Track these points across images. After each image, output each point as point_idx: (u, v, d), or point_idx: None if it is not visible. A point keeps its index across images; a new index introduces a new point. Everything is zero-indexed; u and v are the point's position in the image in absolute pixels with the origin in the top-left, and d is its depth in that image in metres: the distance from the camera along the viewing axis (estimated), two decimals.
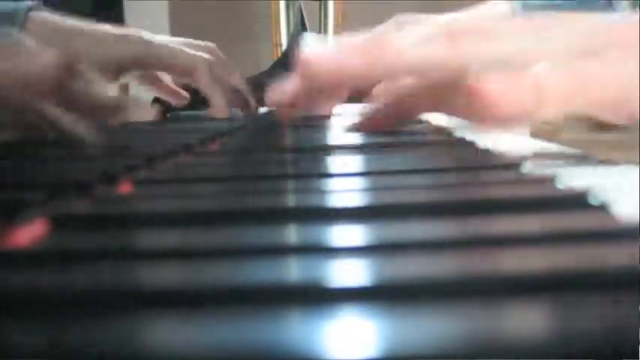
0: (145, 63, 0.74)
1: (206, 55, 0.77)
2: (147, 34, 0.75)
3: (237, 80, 0.81)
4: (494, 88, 0.36)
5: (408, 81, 0.44)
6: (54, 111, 0.43)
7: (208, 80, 0.76)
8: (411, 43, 0.39)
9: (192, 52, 0.76)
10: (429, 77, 0.42)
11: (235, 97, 0.80)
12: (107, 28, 0.73)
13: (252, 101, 0.84)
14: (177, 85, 0.84)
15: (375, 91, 0.50)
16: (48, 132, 0.44)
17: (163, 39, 0.77)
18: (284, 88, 0.43)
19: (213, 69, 0.77)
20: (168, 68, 0.77)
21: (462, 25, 0.40)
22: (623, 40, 0.38)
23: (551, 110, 0.37)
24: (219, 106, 0.76)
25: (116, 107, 0.44)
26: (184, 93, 0.85)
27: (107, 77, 0.71)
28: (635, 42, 0.37)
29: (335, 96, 0.47)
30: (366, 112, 0.51)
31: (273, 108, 0.43)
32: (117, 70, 0.72)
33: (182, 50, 0.76)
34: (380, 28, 0.42)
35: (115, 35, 0.72)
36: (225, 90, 0.78)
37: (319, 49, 0.39)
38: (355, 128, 0.51)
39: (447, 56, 0.38)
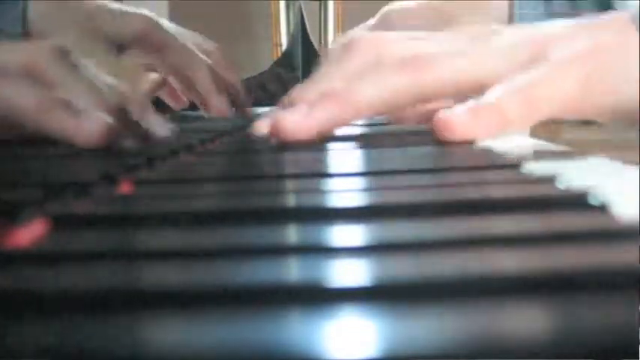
0: (148, 45, 0.73)
1: (208, 60, 0.77)
2: (160, 19, 0.75)
3: (235, 82, 0.81)
4: (460, 120, 0.40)
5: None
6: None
7: (208, 84, 0.76)
8: (367, 83, 0.43)
9: (197, 54, 0.76)
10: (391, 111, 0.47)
11: (232, 97, 0.80)
12: (117, 4, 0.73)
13: (248, 103, 0.83)
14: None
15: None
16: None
17: (174, 28, 0.76)
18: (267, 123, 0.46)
19: (213, 71, 0.77)
20: (169, 60, 0.76)
21: (413, 55, 0.43)
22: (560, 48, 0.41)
23: (517, 126, 0.41)
24: (217, 107, 0.76)
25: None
26: (184, 98, 0.85)
27: (109, 50, 0.71)
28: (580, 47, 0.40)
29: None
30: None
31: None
32: (121, 43, 0.72)
33: (188, 49, 0.75)
34: (368, 25, 0.45)
35: (124, 10, 0.72)
36: (223, 90, 0.78)
37: (287, 117, 0.42)
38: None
39: (404, 89, 0.43)
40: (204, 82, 0.76)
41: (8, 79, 0.42)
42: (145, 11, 0.73)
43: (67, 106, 0.41)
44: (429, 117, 0.44)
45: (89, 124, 0.40)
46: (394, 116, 0.56)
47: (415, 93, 0.43)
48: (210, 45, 0.82)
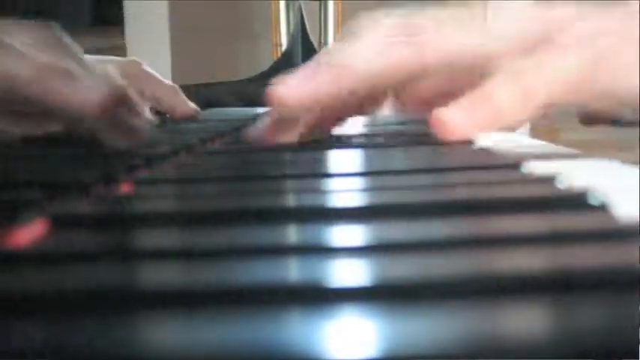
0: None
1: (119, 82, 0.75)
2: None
3: (162, 92, 0.80)
4: (455, 119, 0.40)
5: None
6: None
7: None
8: (366, 53, 0.41)
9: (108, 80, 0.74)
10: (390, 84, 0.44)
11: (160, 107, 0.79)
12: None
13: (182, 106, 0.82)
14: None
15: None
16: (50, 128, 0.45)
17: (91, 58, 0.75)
18: (260, 130, 0.45)
19: (134, 86, 0.75)
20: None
21: (422, 22, 0.42)
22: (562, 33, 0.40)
23: (512, 117, 0.40)
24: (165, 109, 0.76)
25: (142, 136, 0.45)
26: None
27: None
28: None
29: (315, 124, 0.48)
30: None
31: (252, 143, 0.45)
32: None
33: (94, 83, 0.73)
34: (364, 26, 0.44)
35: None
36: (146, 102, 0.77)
37: (284, 84, 0.41)
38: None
39: (409, 58, 0.41)
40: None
41: (10, 49, 0.41)
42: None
43: (68, 74, 0.40)
44: (427, 104, 0.44)
45: (88, 91, 0.39)
46: (395, 100, 0.54)
47: (416, 64, 0.41)
48: (134, 62, 0.80)
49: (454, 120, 0.40)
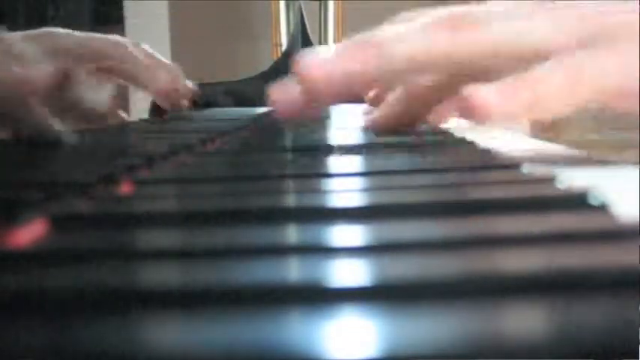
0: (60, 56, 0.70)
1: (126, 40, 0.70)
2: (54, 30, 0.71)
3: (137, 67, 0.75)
4: (489, 95, 0.35)
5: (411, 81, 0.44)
6: (38, 111, 0.42)
7: (131, 59, 0.68)
8: (407, 36, 0.38)
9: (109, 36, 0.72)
10: (431, 72, 0.41)
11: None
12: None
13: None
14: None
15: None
16: (27, 131, 0.44)
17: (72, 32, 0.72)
18: (285, 91, 0.42)
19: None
20: (84, 56, 0.72)
21: (463, 12, 0.38)
22: (619, 29, 0.36)
23: (554, 107, 0.36)
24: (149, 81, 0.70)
25: (106, 113, 0.43)
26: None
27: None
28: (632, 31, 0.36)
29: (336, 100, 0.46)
30: (379, 112, 0.51)
31: (274, 108, 0.42)
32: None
33: (97, 35, 0.71)
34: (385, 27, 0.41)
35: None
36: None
37: (315, 56, 0.38)
38: (367, 128, 0.51)
39: (447, 46, 0.37)
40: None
41: None
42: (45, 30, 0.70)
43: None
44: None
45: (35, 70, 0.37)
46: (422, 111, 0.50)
47: (456, 54, 0.37)
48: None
49: (491, 101, 0.35)
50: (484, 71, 0.37)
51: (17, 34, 0.67)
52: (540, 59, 0.36)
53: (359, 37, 0.39)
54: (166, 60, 0.73)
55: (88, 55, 0.68)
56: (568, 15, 0.37)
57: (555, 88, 0.35)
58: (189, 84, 0.75)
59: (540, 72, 0.35)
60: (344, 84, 0.38)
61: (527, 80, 0.35)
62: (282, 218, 0.21)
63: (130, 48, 0.67)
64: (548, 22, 0.37)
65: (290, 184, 0.30)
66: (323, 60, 0.38)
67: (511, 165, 0.31)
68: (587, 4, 0.38)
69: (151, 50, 0.71)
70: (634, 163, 0.34)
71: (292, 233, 0.20)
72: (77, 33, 0.69)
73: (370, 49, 0.38)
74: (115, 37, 0.69)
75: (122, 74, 0.69)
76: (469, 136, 0.46)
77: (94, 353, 0.12)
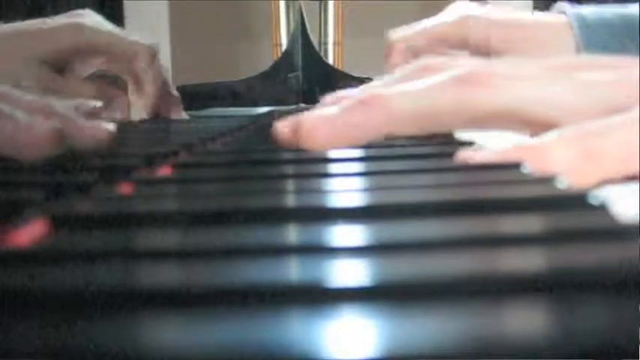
0: (85, 50, 0.71)
1: (148, 43, 0.73)
2: (90, 22, 0.72)
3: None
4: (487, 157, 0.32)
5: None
6: None
7: (147, 66, 0.72)
8: (411, 97, 0.36)
9: (134, 38, 0.73)
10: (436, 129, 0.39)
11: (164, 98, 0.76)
12: (38, 22, 0.71)
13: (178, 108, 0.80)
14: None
15: None
16: None
17: (109, 28, 0.74)
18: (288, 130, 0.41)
19: (154, 61, 0.73)
20: (109, 54, 0.73)
21: (476, 70, 0.36)
22: None
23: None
24: (147, 97, 0.73)
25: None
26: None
27: (52, 69, 0.70)
28: None
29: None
30: None
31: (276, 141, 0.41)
32: (58, 61, 0.71)
33: (124, 37, 0.73)
34: (404, 72, 0.39)
35: (47, 28, 0.71)
36: (159, 84, 0.74)
37: (315, 115, 0.37)
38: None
39: (455, 105, 0.35)
40: (142, 67, 0.72)
41: None
42: (74, 19, 0.71)
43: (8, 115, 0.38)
44: None
45: (36, 132, 0.37)
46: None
47: (462, 112, 0.35)
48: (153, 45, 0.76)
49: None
50: (489, 127, 0.37)
51: (46, 21, 0.68)
52: (552, 127, 0.33)
53: (362, 92, 0.38)
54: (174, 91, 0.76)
55: (119, 56, 0.72)
56: (586, 79, 0.34)
57: (566, 160, 0.31)
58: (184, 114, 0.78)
59: (550, 138, 0.32)
60: (346, 139, 0.37)
61: (531, 147, 0.32)
62: (282, 218, 0.21)
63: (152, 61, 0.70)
64: (570, 91, 0.34)
65: (290, 184, 0.30)
66: (320, 120, 0.37)
67: (511, 165, 0.31)
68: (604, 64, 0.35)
69: (165, 73, 0.74)
70: None
71: (292, 233, 0.20)
72: (110, 27, 0.71)
73: (369, 104, 0.36)
74: (142, 43, 0.72)
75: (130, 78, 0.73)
76: (469, 137, 0.46)
77: (94, 353, 0.12)
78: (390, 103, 0.36)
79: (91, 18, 0.73)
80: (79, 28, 0.71)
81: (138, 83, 0.73)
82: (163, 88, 0.75)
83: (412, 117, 0.36)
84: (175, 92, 0.79)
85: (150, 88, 0.72)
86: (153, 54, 0.73)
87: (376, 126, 0.36)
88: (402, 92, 0.36)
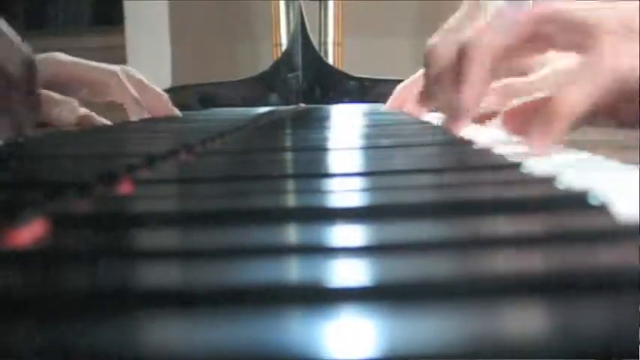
0: (61, 81, 0.75)
1: (118, 68, 0.80)
2: (60, 55, 0.78)
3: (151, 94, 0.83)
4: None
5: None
6: None
7: (121, 89, 0.79)
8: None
9: (105, 65, 0.80)
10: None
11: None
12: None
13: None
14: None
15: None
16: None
17: (76, 60, 0.80)
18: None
19: (127, 80, 0.80)
20: (84, 83, 0.79)
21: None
22: None
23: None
24: (134, 110, 0.79)
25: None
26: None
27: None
28: None
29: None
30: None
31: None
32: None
33: (96, 65, 0.79)
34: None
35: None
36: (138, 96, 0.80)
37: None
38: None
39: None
40: (118, 92, 0.79)
41: None
42: (48, 54, 0.76)
43: None
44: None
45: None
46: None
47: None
48: (125, 68, 0.83)
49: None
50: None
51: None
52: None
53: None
54: (156, 88, 0.80)
55: (86, 84, 0.75)
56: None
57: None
58: (176, 111, 0.84)
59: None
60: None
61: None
62: (282, 218, 0.21)
63: (122, 77, 0.76)
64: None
65: (290, 184, 0.30)
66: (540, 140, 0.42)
67: (511, 165, 0.31)
68: None
69: (139, 77, 0.79)
70: (634, 163, 0.34)
71: (292, 233, 0.20)
72: (76, 61, 0.76)
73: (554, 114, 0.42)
74: (109, 68, 0.79)
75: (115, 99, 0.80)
76: (469, 136, 0.46)
77: (94, 353, 0.12)
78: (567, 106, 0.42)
79: (60, 54, 0.78)
80: (57, 59, 0.75)
81: (123, 98, 0.80)
82: (141, 86, 0.81)
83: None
84: (158, 89, 0.84)
85: (131, 105, 0.80)
86: (122, 73, 0.80)
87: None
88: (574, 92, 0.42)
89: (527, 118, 0.46)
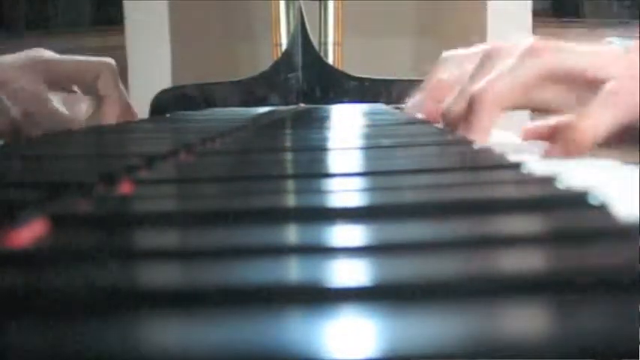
0: (52, 79, 0.75)
1: (109, 60, 0.78)
2: (46, 52, 0.76)
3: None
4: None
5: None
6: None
7: (112, 83, 0.76)
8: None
9: (94, 58, 0.77)
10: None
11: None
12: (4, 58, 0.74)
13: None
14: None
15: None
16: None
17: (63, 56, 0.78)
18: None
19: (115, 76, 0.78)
20: (75, 78, 0.77)
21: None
22: None
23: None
24: (110, 111, 0.77)
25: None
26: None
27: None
28: None
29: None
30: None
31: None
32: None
33: (85, 59, 0.77)
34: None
35: (14, 62, 0.73)
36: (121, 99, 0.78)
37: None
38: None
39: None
40: (107, 84, 0.76)
41: None
42: (33, 53, 0.75)
43: None
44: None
45: None
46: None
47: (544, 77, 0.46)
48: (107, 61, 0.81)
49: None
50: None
51: (8, 62, 0.72)
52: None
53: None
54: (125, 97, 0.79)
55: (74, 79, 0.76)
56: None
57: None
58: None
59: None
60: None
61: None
62: (282, 218, 0.21)
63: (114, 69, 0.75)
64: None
65: (290, 184, 0.30)
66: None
67: (511, 165, 0.31)
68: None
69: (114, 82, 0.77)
70: (634, 163, 0.34)
71: (292, 233, 0.20)
72: (60, 57, 0.76)
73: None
74: (98, 59, 0.76)
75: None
76: (469, 137, 0.46)
77: (94, 353, 0.12)
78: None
79: (45, 51, 0.77)
80: (43, 57, 0.74)
81: (106, 97, 0.77)
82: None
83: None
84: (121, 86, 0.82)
85: (110, 106, 0.76)
86: (112, 69, 0.77)
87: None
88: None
89: (544, 139, 0.48)
